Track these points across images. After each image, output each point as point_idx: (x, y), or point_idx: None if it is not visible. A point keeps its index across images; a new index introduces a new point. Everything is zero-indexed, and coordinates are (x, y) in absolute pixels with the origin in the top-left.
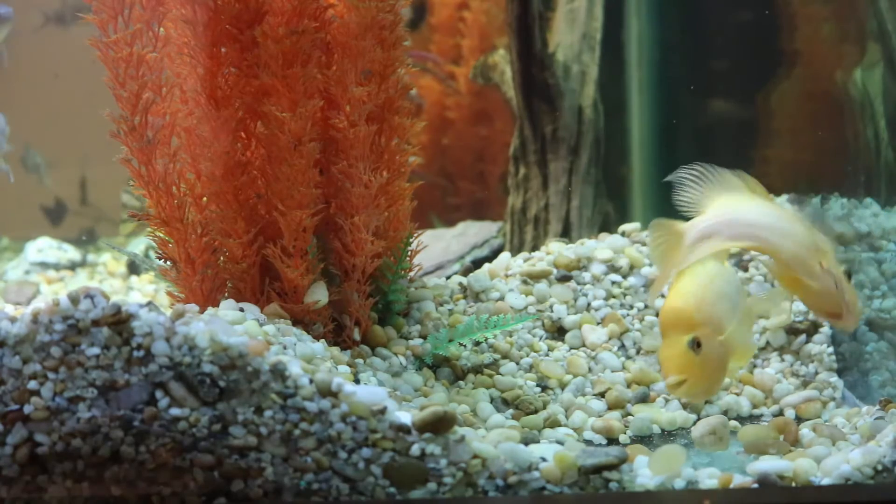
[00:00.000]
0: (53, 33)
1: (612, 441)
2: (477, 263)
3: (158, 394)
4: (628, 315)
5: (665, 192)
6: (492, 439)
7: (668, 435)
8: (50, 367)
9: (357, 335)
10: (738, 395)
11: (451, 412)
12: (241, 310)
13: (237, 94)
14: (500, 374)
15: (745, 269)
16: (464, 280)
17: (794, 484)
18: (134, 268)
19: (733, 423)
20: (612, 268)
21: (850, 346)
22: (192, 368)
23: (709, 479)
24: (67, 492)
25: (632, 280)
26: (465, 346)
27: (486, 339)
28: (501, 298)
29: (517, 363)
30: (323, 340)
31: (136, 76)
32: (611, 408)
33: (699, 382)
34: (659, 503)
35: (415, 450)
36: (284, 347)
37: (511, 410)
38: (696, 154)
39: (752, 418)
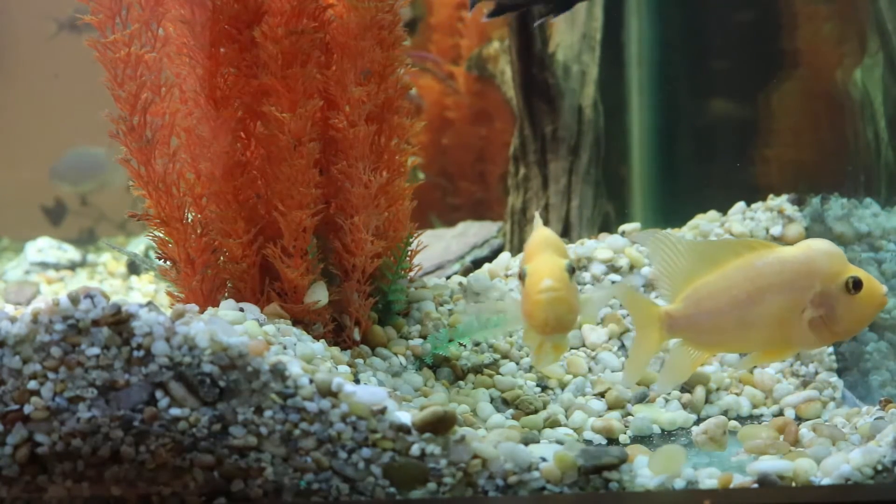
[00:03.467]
0: (53, 34)
1: (612, 441)
2: (477, 263)
3: (158, 394)
4: (628, 315)
5: (665, 192)
6: (492, 439)
7: (668, 435)
8: (50, 367)
9: (357, 335)
10: (738, 395)
11: (451, 412)
12: (241, 310)
13: (236, 95)
14: (500, 374)
15: None
16: (464, 280)
17: (794, 484)
18: (134, 268)
19: (733, 423)
20: (612, 268)
21: (850, 346)
22: (192, 368)
23: (709, 479)
24: (67, 492)
25: (632, 280)
26: (465, 346)
27: (486, 339)
28: (501, 298)
29: (517, 363)
30: (323, 340)
31: (135, 76)
32: (611, 408)
33: (564, 303)
34: (659, 503)
35: (415, 450)
36: (284, 347)
37: (511, 410)
38: (697, 154)
39: (752, 418)
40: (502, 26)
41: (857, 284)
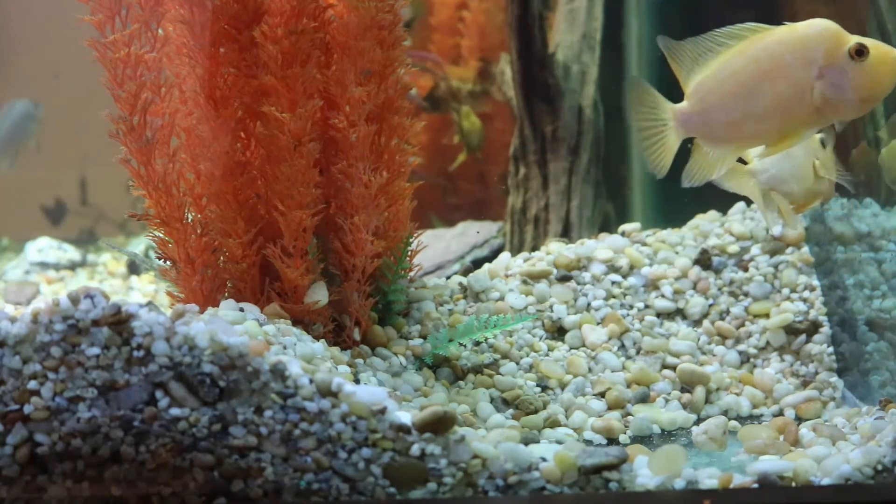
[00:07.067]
0: (53, 33)
1: (612, 441)
2: (477, 263)
3: (158, 394)
4: (628, 315)
5: (665, 192)
6: (492, 439)
7: (668, 435)
8: (50, 367)
9: (357, 335)
10: (738, 395)
11: (451, 412)
12: (241, 310)
13: (236, 95)
14: (500, 374)
15: (745, 269)
16: (464, 280)
17: (794, 484)
18: (134, 268)
19: (733, 423)
20: (612, 268)
21: (850, 346)
22: (192, 368)
23: (709, 479)
24: (67, 492)
25: (632, 280)
26: (465, 346)
27: (486, 339)
28: (501, 298)
29: (517, 363)
30: (323, 340)
31: (135, 76)
32: (611, 408)
33: None
34: (659, 503)
35: (415, 450)
36: (284, 347)
37: (511, 410)
38: None
39: (752, 418)
40: (502, 29)
41: (860, 51)
